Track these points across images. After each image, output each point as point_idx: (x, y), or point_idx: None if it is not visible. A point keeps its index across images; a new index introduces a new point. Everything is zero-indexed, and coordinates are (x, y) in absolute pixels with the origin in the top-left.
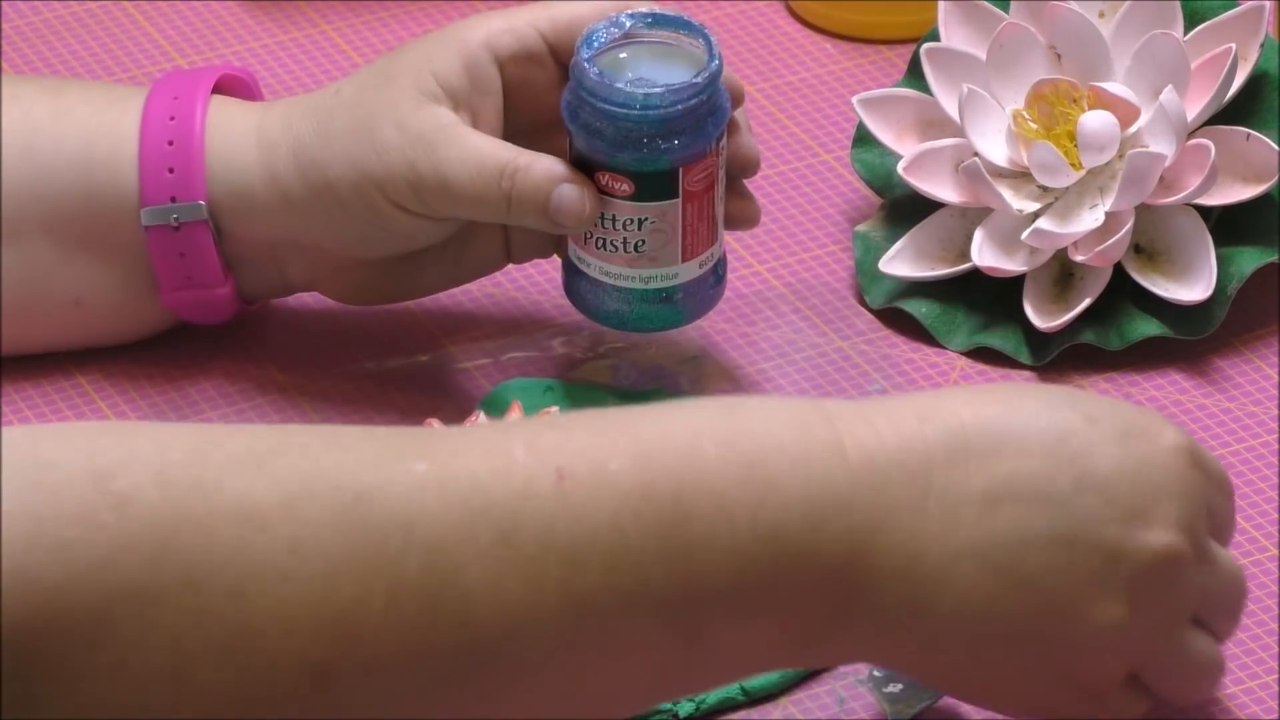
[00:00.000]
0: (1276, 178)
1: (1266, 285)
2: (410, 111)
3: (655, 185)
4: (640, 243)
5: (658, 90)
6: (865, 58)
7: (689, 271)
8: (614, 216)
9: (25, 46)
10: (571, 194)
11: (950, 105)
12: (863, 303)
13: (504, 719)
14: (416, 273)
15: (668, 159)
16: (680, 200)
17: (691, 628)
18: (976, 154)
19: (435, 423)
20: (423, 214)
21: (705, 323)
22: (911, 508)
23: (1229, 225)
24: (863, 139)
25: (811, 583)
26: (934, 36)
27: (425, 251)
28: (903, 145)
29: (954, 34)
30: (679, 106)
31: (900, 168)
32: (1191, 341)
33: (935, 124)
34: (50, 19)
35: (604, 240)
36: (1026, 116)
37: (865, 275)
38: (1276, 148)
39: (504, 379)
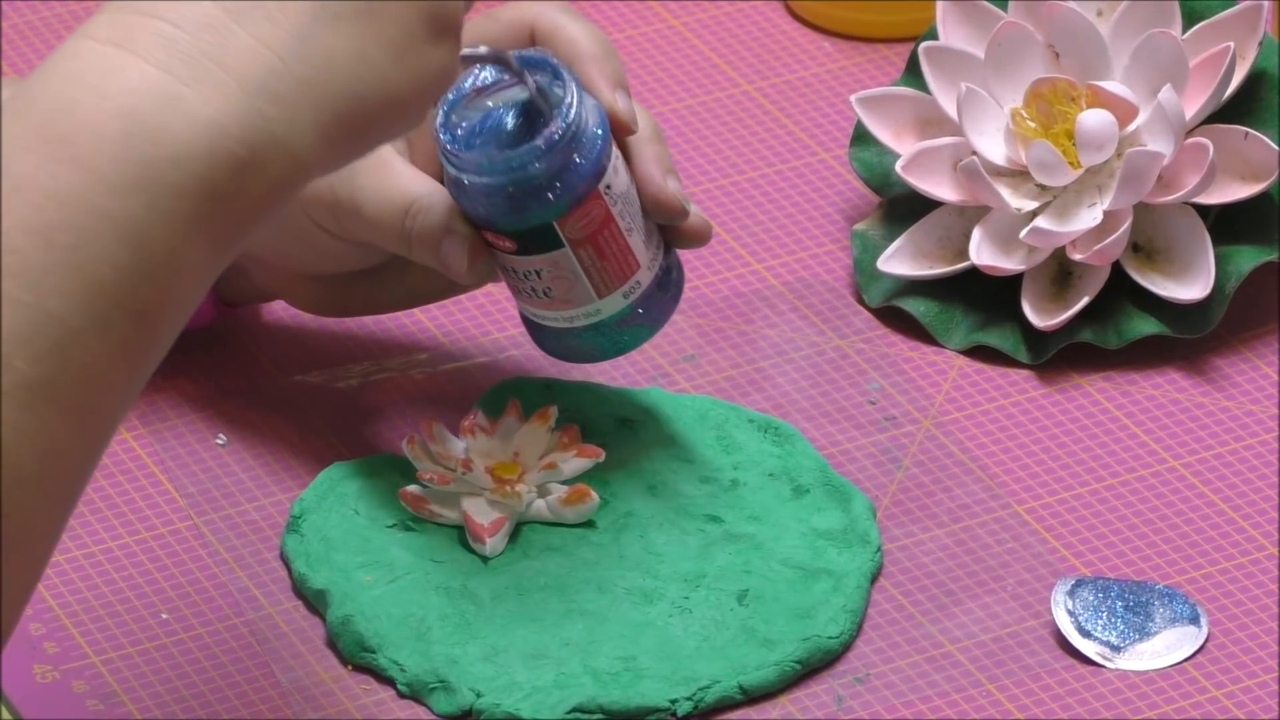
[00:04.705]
0: (1275, 176)
1: (1265, 284)
2: None
3: (533, 240)
4: (547, 289)
5: (502, 157)
6: (864, 56)
7: (612, 304)
8: (513, 269)
9: (25, 46)
10: (454, 249)
11: (949, 104)
12: (861, 301)
13: None
14: (375, 290)
15: (536, 218)
16: (568, 249)
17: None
18: (975, 153)
19: (434, 423)
20: (343, 238)
21: (704, 321)
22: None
23: (1227, 224)
24: (861, 138)
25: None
26: (932, 35)
27: (383, 270)
28: (901, 144)
29: (952, 33)
30: (528, 169)
31: (898, 166)
32: (1190, 340)
33: (933, 123)
34: (50, 19)
35: (517, 288)
36: (1025, 115)
37: (863, 274)
38: (1275, 146)
39: (502, 378)
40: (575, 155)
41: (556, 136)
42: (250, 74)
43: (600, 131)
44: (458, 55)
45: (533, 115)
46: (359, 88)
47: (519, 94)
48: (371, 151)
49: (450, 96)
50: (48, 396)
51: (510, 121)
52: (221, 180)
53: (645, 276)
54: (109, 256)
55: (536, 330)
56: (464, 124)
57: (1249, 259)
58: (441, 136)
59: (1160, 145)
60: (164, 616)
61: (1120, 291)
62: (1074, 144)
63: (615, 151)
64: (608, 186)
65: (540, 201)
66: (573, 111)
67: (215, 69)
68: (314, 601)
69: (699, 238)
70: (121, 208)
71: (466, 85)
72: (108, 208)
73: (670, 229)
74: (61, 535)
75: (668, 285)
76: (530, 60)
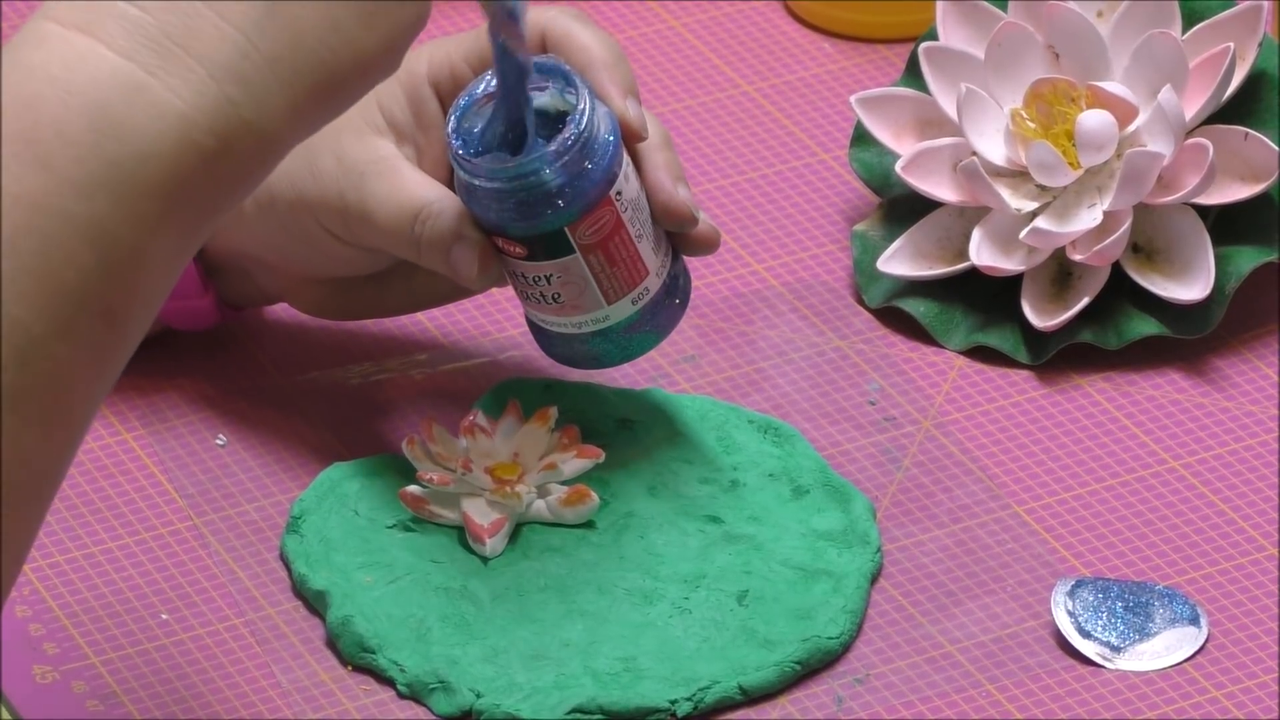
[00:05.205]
0: (1275, 177)
1: (1265, 284)
2: (351, 142)
3: (544, 246)
4: (556, 294)
5: (513, 163)
6: (863, 57)
7: (621, 310)
8: (522, 274)
9: None
10: (464, 255)
11: (948, 104)
12: (861, 302)
13: None
14: (380, 293)
15: (547, 223)
16: (578, 255)
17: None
18: (975, 153)
19: (434, 424)
20: (352, 243)
21: (704, 322)
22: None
23: (1227, 224)
24: (861, 138)
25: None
26: (932, 36)
27: (389, 274)
28: (901, 144)
29: (952, 33)
30: (540, 175)
31: (898, 167)
32: (1190, 341)
33: (933, 123)
34: None
35: (526, 293)
36: (1025, 116)
37: (863, 274)
38: (1275, 147)
39: (502, 378)
40: (587, 162)
41: (568, 143)
42: (218, 58)
43: (611, 138)
44: (428, 4)
45: (544, 121)
46: (328, 56)
47: (532, 100)
48: (342, 113)
49: (462, 102)
50: (12, 405)
51: (522, 127)
52: (190, 173)
53: (654, 283)
54: (74, 259)
55: (543, 336)
56: (475, 129)
57: (1249, 259)
58: (453, 142)
59: (1160, 146)
60: (164, 617)
61: (1120, 292)
62: (1074, 144)
63: (626, 158)
64: (618, 193)
65: (551, 207)
66: (584, 118)
67: (182, 54)
68: (314, 602)
69: (708, 245)
70: (87, 209)
71: (479, 90)
72: (73, 210)
73: (679, 236)
74: (34, 540)
75: (675, 292)
76: (542, 67)
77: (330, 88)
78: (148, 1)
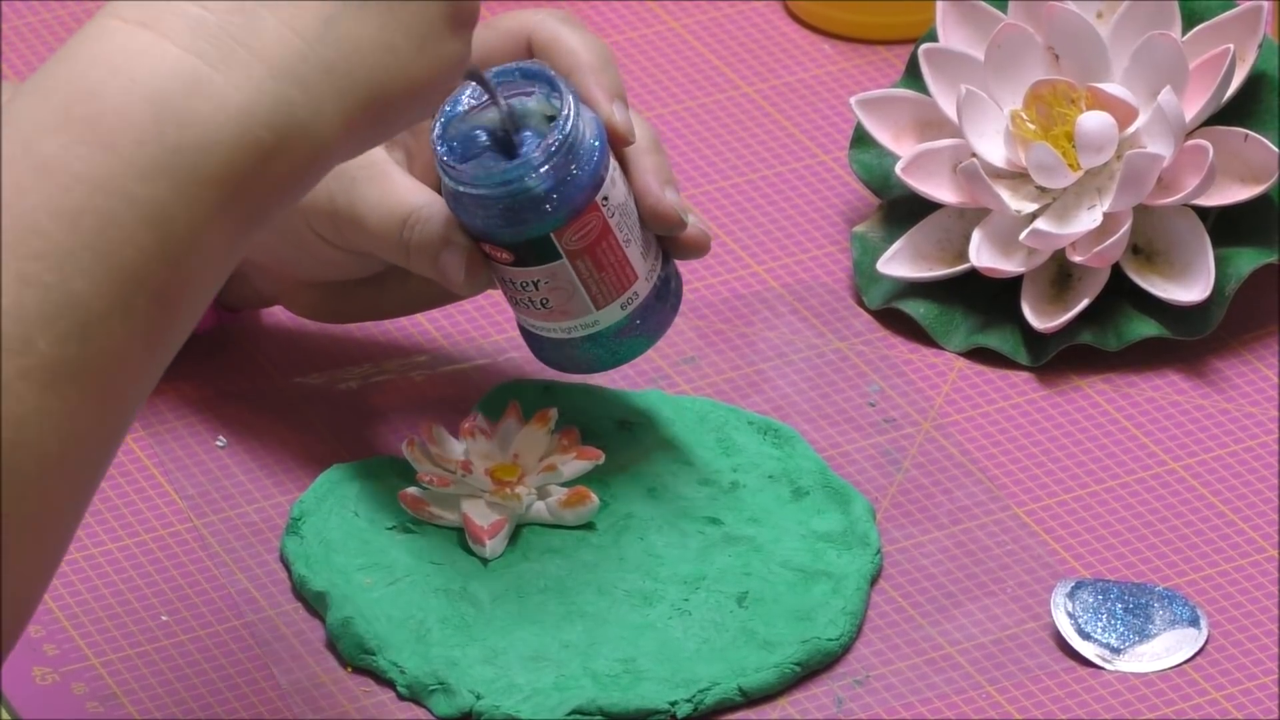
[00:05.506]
0: (1275, 178)
1: (1265, 286)
2: None
3: (531, 252)
4: (544, 300)
5: (499, 169)
6: (863, 58)
7: (610, 315)
8: (510, 280)
9: (24, 47)
10: (452, 260)
11: (948, 106)
12: (861, 303)
13: None
14: (375, 297)
15: (534, 230)
16: (565, 260)
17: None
18: (974, 155)
19: (434, 425)
20: (342, 247)
21: (703, 323)
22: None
23: (1227, 226)
24: (861, 140)
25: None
26: (932, 37)
27: (385, 277)
28: (901, 146)
29: (952, 35)
30: (525, 181)
31: (898, 168)
32: (1190, 342)
33: (933, 125)
34: (50, 19)
35: (515, 299)
36: (1024, 117)
37: (863, 276)
38: (1275, 148)
39: (502, 380)
40: (572, 167)
41: (553, 149)
42: (278, 59)
43: (597, 143)
44: (470, 48)
45: (530, 126)
46: (382, 75)
47: (516, 107)
48: (389, 138)
49: (448, 109)
50: (70, 378)
51: (507, 134)
52: (246, 165)
53: (643, 288)
54: (134, 240)
55: (534, 341)
56: (461, 137)
57: (1249, 261)
58: (439, 149)
59: (1160, 147)
60: (164, 618)
61: (1120, 293)
62: (1074, 146)
63: (613, 163)
64: (605, 198)
65: (537, 214)
66: (569, 124)
67: (243, 53)
68: (314, 603)
69: (698, 248)
70: (148, 191)
71: (464, 98)
72: (134, 191)
73: (669, 239)
74: (82, 519)
75: (666, 296)
76: (527, 72)
77: (381, 106)
78: (211, 2)
